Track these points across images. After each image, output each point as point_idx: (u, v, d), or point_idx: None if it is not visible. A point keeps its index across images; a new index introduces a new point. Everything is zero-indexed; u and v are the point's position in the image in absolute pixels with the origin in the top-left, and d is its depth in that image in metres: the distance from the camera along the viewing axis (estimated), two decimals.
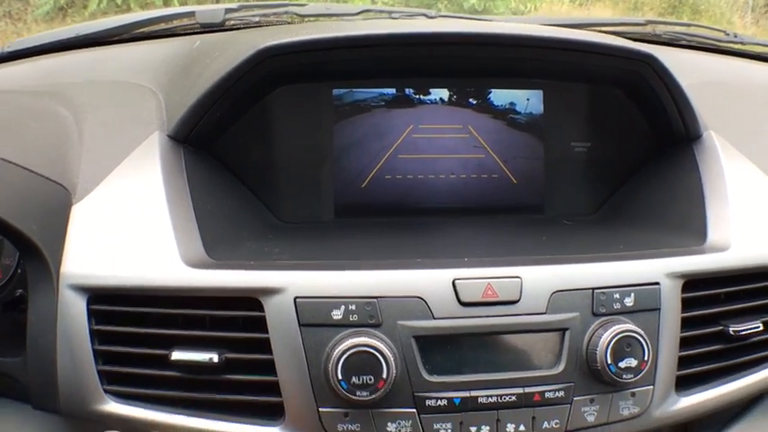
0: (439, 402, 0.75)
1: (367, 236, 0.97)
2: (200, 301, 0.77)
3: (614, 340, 0.76)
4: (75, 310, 0.77)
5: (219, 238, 0.85)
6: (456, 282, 0.76)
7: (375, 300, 0.75)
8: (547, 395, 0.76)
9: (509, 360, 0.77)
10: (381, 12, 1.47)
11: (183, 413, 0.77)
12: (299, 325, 0.74)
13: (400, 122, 1.03)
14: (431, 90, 1.03)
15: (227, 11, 1.21)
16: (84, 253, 0.79)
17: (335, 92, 1.02)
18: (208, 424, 0.76)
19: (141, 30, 1.24)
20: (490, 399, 0.76)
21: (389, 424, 0.74)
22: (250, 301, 0.76)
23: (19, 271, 0.98)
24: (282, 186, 1.02)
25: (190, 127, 0.89)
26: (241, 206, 0.98)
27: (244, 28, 1.20)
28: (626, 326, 0.77)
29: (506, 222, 1.04)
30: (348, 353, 0.72)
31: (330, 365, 0.72)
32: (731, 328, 0.85)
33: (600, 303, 0.78)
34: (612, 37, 1.02)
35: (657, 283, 0.81)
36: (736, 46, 1.38)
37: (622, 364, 0.76)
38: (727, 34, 1.39)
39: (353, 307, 0.74)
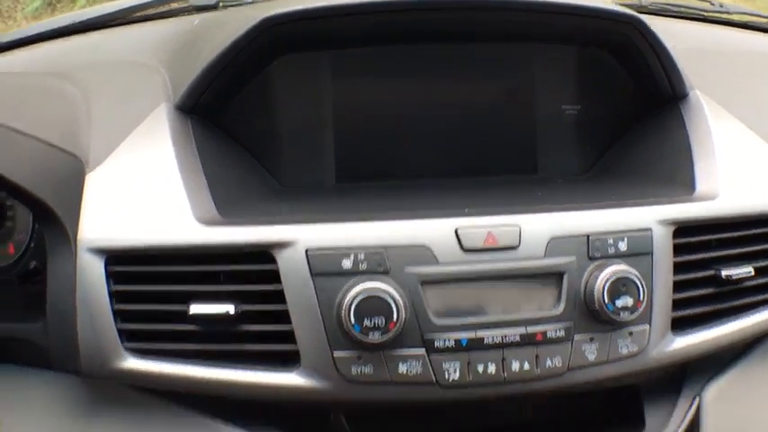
0: (447, 343, 0.78)
1: (370, 196, 1.01)
2: (214, 258, 0.80)
3: (610, 281, 0.80)
4: (93, 272, 0.80)
5: (229, 200, 0.88)
6: (458, 230, 0.80)
7: (383, 249, 0.78)
8: (548, 335, 0.80)
9: (511, 303, 0.81)
10: None
11: (201, 365, 0.80)
12: (312, 275, 0.78)
13: (398, 88, 1.06)
14: (429, 56, 1.07)
15: None
16: (101, 218, 0.81)
17: (335, 59, 1.05)
18: (226, 374, 0.80)
19: (138, 14, 1.27)
20: (495, 339, 0.79)
21: (401, 365, 0.78)
22: (263, 254, 0.79)
23: (32, 245, 1.01)
24: (285, 154, 1.05)
25: (196, 97, 0.92)
26: (248, 172, 1.01)
27: (239, 5, 1.23)
28: (620, 267, 0.81)
29: (502, 181, 1.08)
30: (360, 297, 0.75)
31: (343, 310, 0.76)
32: (723, 273, 0.89)
33: (595, 248, 0.82)
34: (600, 0, 1.05)
35: (649, 229, 0.85)
36: (723, 15, 1.42)
37: (619, 303, 0.80)
38: (713, 4, 1.42)
39: (362, 256, 0.78)
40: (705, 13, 1.40)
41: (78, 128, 0.90)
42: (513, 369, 0.80)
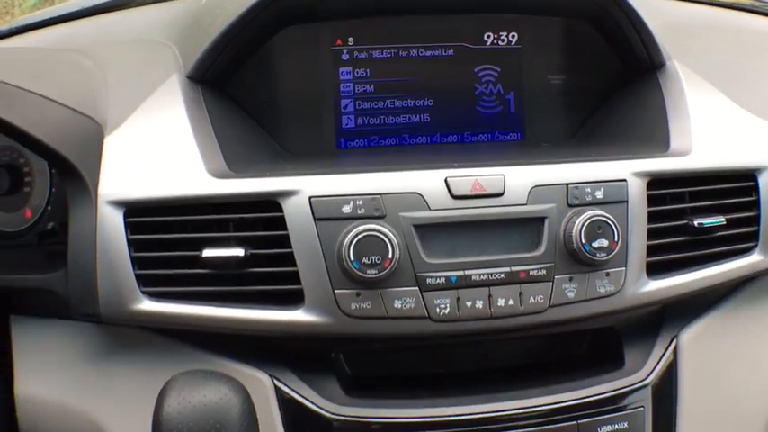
0: (438, 281, 0.86)
1: (368, 159, 1.08)
2: (225, 207, 0.87)
3: (587, 223, 0.87)
4: (112, 223, 0.86)
5: (239, 158, 0.95)
6: (448, 179, 0.88)
7: (379, 196, 0.86)
8: (531, 273, 0.88)
9: (497, 245, 0.88)
10: None
11: (213, 305, 0.87)
12: (314, 220, 0.85)
13: (395, 58, 1.13)
14: (424, 27, 1.13)
15: None
16: (119, 174, 0.88)
17: (337, 30, 1.12)
18: (236, 312, 0.86)
19: None
20: (482, 277, 0.87)
21: (396, 301, 0.85)
22: (270, 203, 0.86)
23: (49, 208, 1.08)
24: (289, 121, 1.12)
25: (206, 67, 0.99)
26: (255, 137, 1.08)
27: None
28: (597, 211, 0.88)
29: (490, 145, 1.15)
30: (359, 236, 0.82)
31: (343, 250, 0.83)
32: (695, 222, 0.96)
33: (574, 196, 0.90)
34: None
35: (624, 180, 0.92)
36: None
37: (595, 244, 0.87)
38: None
39: (360, 202, 0.85)
40: None
41: (96, 95, 0.97)
42: (499, 305, 0.87)
